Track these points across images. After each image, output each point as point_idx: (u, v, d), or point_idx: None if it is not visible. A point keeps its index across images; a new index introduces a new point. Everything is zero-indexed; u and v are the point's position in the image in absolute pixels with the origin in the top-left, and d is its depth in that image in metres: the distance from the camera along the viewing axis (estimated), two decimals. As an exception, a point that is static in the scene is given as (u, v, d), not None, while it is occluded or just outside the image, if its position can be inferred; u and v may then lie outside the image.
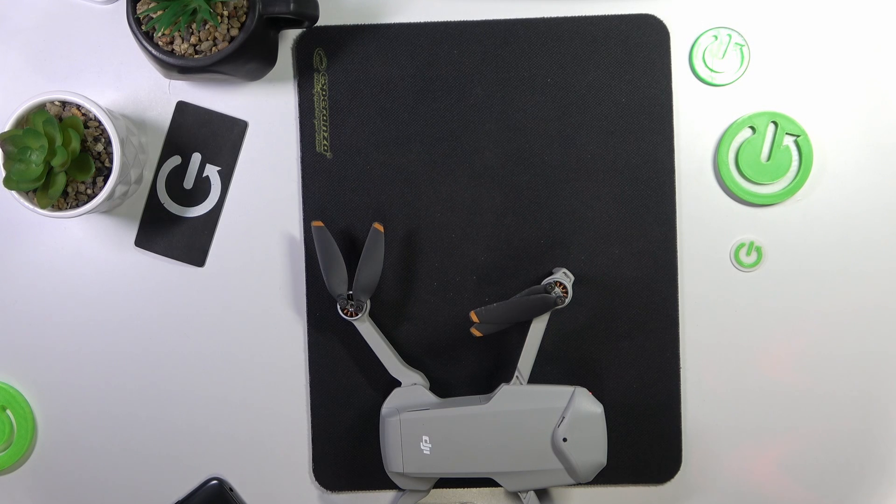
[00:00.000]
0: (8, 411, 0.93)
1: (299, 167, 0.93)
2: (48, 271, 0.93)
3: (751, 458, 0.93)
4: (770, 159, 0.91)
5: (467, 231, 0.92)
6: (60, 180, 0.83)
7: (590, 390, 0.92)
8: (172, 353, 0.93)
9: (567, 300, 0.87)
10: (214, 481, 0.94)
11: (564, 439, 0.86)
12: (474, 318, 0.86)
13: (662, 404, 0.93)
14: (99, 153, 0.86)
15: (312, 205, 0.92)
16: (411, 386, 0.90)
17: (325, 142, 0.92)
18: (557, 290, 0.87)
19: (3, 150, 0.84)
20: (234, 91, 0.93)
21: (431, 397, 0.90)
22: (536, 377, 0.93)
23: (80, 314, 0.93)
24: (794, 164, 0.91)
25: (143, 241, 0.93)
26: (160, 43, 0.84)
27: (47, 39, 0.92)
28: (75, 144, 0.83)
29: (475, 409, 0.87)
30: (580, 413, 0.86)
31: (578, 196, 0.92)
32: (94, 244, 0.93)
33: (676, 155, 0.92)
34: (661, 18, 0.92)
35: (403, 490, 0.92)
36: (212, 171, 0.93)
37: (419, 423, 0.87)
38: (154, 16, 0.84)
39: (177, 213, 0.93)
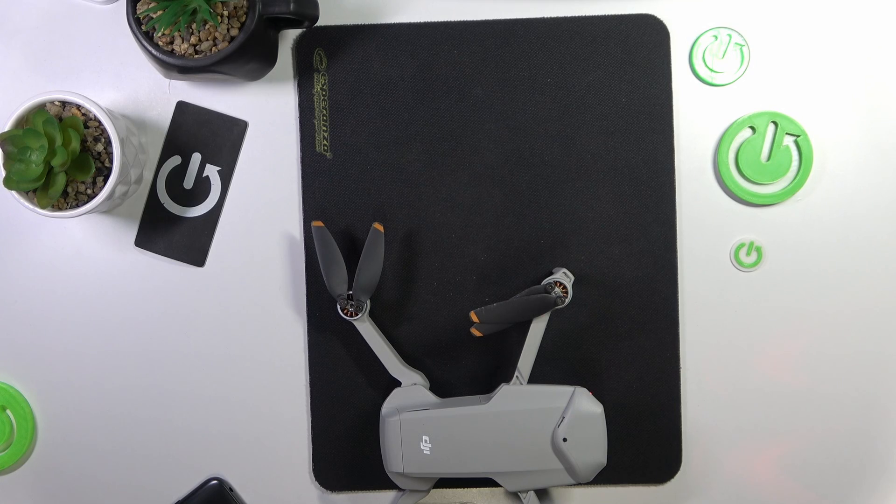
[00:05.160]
0: (8, 411, 0.93)
1: (299, 167, 0.93)
2: (48, 271, 0.93)
3: (751, 458, 0.93)
4: (770, 159, 0.91)
5: (467, 231, 0.92)
6: (60, 180, 0.83)
7: (590, 390, 0.92)
8: (172, 353, 0.93)
9: (567, 300, 0.87)
10: (214, 481, 0.94)
11: (564, 439, 0.86)
12: (474, 318, 0.86)
13: (662, 404, 0.93)
14: (99, 153, 0.86)
15: (312, 205, 0.92)
16: (411, 386, 0.90)
17: (325, 142, 0.92)
18: (557, 290, 0.87)
19: (3, 150, 0.84)
20: (234, 91, 0.93)
21: (431, 397, 0.90)
22: (536, 377, 0.93)
23: (80, 314, 0.93)
24: (794, 164, 0.91)
25: (143, 241, 0.93)
26: (160, 43, 0.84)
27: (47, 39, 0.92)
28: (75, 144, 0.83)
29: (475, 409, 0.87)
30: (580, 413, 0.86)
31: (578, 196, 0.92)
32: (94, 244, 0.93)
33: (676, 155, 0.92)
34: (661, 18, 0.92)
35: (403, 490, 0.92)
36: (212, 171, 0.93)
37: (419, 423, 0.87)
38: (154, 16, 0.84)
39: (177, 213, 0.93)
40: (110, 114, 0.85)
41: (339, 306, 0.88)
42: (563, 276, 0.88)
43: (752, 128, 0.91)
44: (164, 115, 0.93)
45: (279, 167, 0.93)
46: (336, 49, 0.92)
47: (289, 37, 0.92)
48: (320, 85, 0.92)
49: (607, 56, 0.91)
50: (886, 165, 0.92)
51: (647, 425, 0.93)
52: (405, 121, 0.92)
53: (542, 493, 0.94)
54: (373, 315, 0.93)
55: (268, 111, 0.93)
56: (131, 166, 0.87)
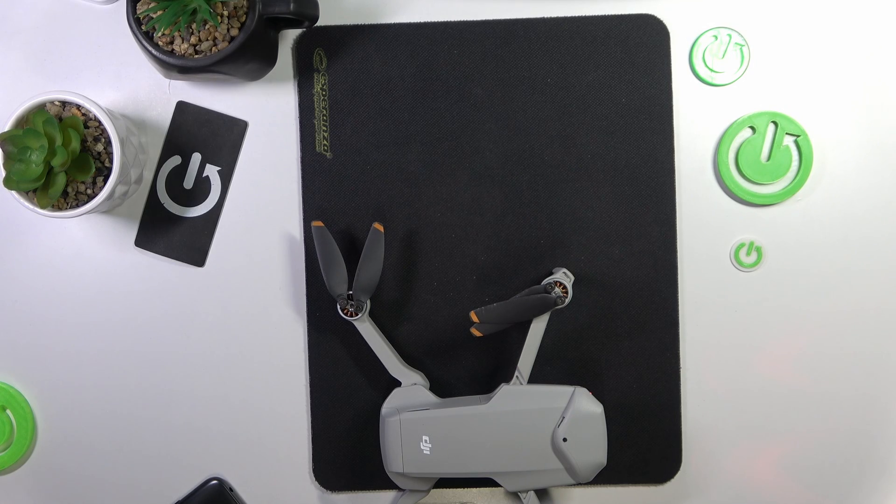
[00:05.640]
0: (8, 411, 0.93)
1: (299, 167, 0.93)
2: (48, 271, 0.93)
3: (751, 458, 0.93)
4: (770, 159, 0.91)
5: (467, 231, 0.92)
6: (60, 180, 0.83)
7: (590, 390, 0.92)
8: (172, 353, 0.93)
9: (567, 300, 0.87)
10: (214, 481, 0.94)
11: (564, 439, 0.86)
12: (474, 318, 0.86)
13: (662, 404, 0.93)
14: (99, 153, 0.86)
15: (312, 205, 0.92)
16: (411, 386, 0.90)
17: (325, 142, 0.92)
18: (557, 290, 0.87)
19: (3, 150, 0.84)
20: (234, 91, 0.93)
21: (431, 397, 0.90)
22: (536, 377, 0.93)
23: (80, 314, 0.93)
24: (794, 164, 0.91)
25: (143, 241, 0.93)
26: (160, 43, 0.84)
27: (47, 39, 0.92)
28: (75, 144, 0.83)
29: (475, 409, 0.87)
30: (580, 413, 0.86)
31: (578, 196, 0.92)
32: (94, 244, 0.93)
33: (676, 155, 0.92)
34: (661, 18, 0.92)
35: (403, 490, 0.92)
36: (212, 171, 0.93)
37: (419, 423, 0.87)
38: (154, 16, 0.84)
39: (177, 213, 0.93)
40: (110, 114, 0.85)
41: (339, 306, 0.88)
42: (563, 276, 0.88)
43: (752, 128, 0.91)
44: (164, 115, 0.93)
45: (279, 167, 0.93)
46: (336, 49, 0.92)
47: (289, 37, 0.92)
48: (320, 85, 0.92)
49: (607, 56, 0.91)
50: (886, 165, 0.92)
51: (647, 425, 0.93)
52: (405, 121, 0.92)
53: (542, 493, 0.94)
54: (373, 315, 0.93)
55: (268, 111, 0.93)
56: (131, 166, 0.87)
